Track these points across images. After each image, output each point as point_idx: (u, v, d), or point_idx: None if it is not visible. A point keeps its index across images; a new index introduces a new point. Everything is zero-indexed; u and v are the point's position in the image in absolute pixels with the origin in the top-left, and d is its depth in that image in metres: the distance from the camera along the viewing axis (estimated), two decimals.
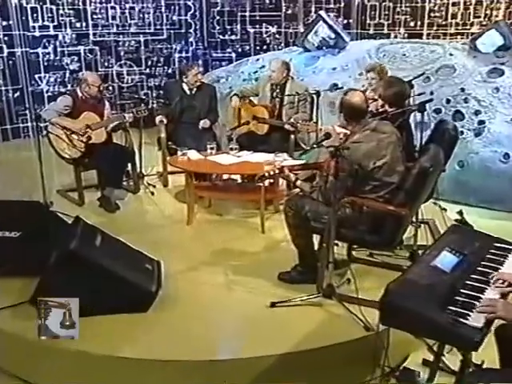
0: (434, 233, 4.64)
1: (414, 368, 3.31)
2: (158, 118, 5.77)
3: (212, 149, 5.15)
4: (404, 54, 6.64)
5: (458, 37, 7.29)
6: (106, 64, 8.46)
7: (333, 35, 7.09)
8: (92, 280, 3.43)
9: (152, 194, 5.64)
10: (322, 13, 7.24)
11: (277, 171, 3.85)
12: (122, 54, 8.54)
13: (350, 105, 3.64)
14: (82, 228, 3.72)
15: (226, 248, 4.51)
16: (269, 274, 4.00)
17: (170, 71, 8.81)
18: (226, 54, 8.83)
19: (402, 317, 2.43)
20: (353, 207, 3.65)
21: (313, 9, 8.13)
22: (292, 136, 5.49)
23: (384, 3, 7.69)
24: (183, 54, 8.84)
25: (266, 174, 3.84)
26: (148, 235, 4.67)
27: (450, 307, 2.36)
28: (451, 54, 6.38)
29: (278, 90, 5.63)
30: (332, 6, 8.00)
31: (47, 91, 8.15)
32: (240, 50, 8.75)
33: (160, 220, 5.12)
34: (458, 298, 2.42)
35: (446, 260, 2.73)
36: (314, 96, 5.49)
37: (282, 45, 8.45)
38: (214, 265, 4.23)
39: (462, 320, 2.28)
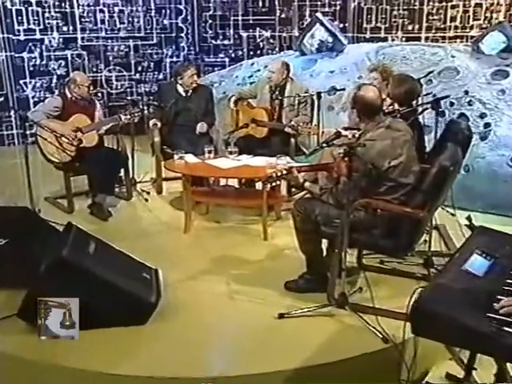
0: (446, 238, 4.42)
1: (436, 383, 3.07)
2: (151, 122, 5.51)
3: (210, 152, 4.90)
4: (404, 57, 6.44)
5: (458, 40, 7.11)
6: (94, 69, 8.17)
7: (330, 38, 6.89)
8: (86, 290, 3.17)
9: (146, 200, 5.38)
10: (319, 15, 7.04)
11: (284, 172, 3.60)
12: (110, 58, 8.25)
13: (364, 100, 3.41)
14: (74, 234, 3.46)
15: (226, 256, 4.28)
16: (274, 283, 3.78)
17: (160, 77, 8.54)
18: (219, 59, 8.59)
19: (436, 325, 2.21)
20: (366, 210, 3.42)
21: (307, 12, 7.93)
22: (292, 139, 5.25)
23: (381, 6, 7.51)
24: (174, 59, 8.57)
25: (274, 175, 3.58)
26: (143, 243, 4.42)
27: (491, 314, 2.13)
28: (453, 56, 6.20)
29: (277, 92, 5.38)
30: (327, 9, 7.80)
31: (33, 97, 7.84)
32: (233, 54, 8.52)
33: (155, 227, 4.85)
34: (496, 304, 2.19)
35: (477, 264, 2.52)
36: (315, 98, 5.27)
37: (277, 49, 8.23)
38: (214, 273, 4.00)
39: (506, 329, 2.05)
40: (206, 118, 5.55)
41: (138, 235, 4.65)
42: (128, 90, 8.33)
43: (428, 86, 5.95)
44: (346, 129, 5.03)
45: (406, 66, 6.33)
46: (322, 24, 6.89)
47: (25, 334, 3.13)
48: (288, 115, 5.37)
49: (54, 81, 8.01)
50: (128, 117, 5.05)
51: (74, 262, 3.21)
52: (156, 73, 8.53)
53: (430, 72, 5.14)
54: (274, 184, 3.76)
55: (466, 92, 5.82)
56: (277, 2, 8.10)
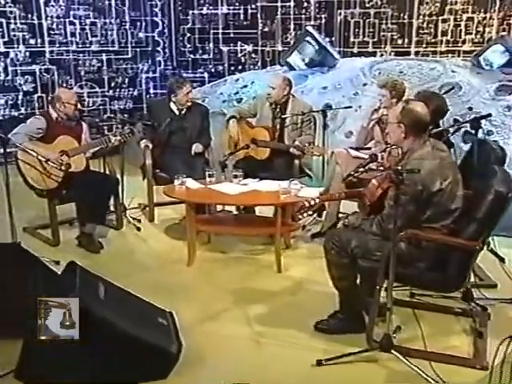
0: (475, 267, 4.11)
1: None
2: (142, 143, 5.04)
3: (211, 176, 4.48)
4: (401, 72, 6.20)
5: (449, 55, 6.92)
6: (64, 85, 7.61)
7: (321, 52, 6.57)
8: (99, 343, 2.73)
9: (138, 229, 4.90)
10: (310, 28, 6.73)
11: (317, 201, 3.22)
12: (82, 74, 7.74)
13: (414, 115, 3.09)
14: (80, 276, 2.98)
15: (239, 291, 3.86)
16: (299, 322, 3.40)
17: (135, 93, 8.05)
18: (198, 75, 8.19)
19: None
20: (409, 240, 3.07)
21: (291, 26, 7.64)
22: (296, 161, 4.87)
23: (368, 20, 7.27)
24: (150, 75, 8.14)
25: (307, 205, 3.19)
26: (144, 279, 3.96)
27: None
28: (453, 71, 5.99)
29: (278, 110, 5.00)
30: (313, 22, 7.52)
31: None
32: (213, 70, 8.14)
33: (154, 260, 4.38)
34: None
35: None
36: (320, 116, 4.93)
37: (259, 64, 7.88)
38: (231, 312, 3.59)
39: None
40: (201, 139, 5.11)
41: (136, 270, 4.17)
42: (101, 107, 7.82)
43: None
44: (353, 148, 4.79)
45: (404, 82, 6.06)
46: (313, 37, 6.57)
47: None
48: (290, 134, 4.99)
49: (21, 97, 7.45)
50: (118, 138, 4.58)
51: (86, 311, 2.74)
52: (131, 89, 8.05)
53: (452, 88, 4.84)
54: (305, 214, 3.35)
55: (470, 108, 5.60)
56: (259, 15, 7.78)
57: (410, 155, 3.11)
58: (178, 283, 3.97)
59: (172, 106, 5.08)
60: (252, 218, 4.36)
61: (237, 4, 7.82)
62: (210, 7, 7.90)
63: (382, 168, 3.25)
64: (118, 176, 4.90)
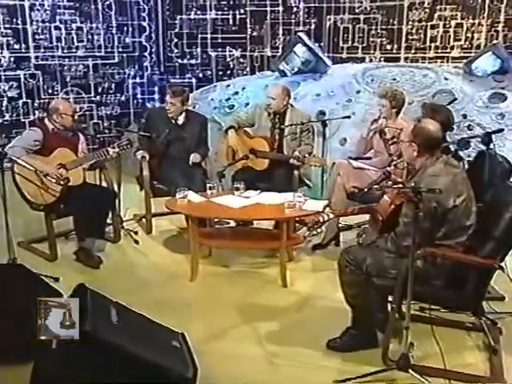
0: None
1: None
2: (138, 154, 4.95)
3: (212, 188, 4.42)
4: (394, 79, 6.21)
5: (438, 61, 6.95)
6: (50, 91, 7.48)
7: (313, 58, 6.54)
8: (114, 370, 2.65)
9: (136, 242, 4.82)
10: (301, 34, 6.69)
11: (331, 216, 3.19)
12: (68, 79, 7.57)
13: (427, 133, 3.08)
14: (92, 301, 2.90)
15: (246, 307, 3.81)
16: (311, 340, 3.37)
17: (122, 98, 7.92)
18: (186, 80, 8.07)
19: None
20: (425, 258, 3.05)
21: (280, 31, 7.59)
22: (296, 171, 4.82)
23: (358, 25, 7.26)
24: (137, 80, 8.01)
25: (321, 221, 3.16)
26: (147, 296, 3.88)
27: None
28: (446, 79, 6.01)
29: (277, 120, 4.95)
30: (302, 27, 7.49)
31: None
32: (201, 75, 8.04)
33: (156, 275, 4.30)
34: None
35: None
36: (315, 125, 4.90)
37: (248, 69, 7.82)
38: (240, 330, 3.53)
39: None
40: (199, 149, 5.04)
41: (138, 286, 4.09)
42: (87, 113, 7.67)
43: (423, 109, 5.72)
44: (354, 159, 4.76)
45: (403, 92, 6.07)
46: (305, 44, 6.54)
47: None
48: (290, 145, 4.95)
49: (5, 103, 7.28)
50: (116, 150, 4.48)
51: (100, 338, 2.67)
52: (118, 94, 7.90)
53: (455, 99, 4.84)
54: (317, 229, 3.30)
55: (465, 116, 5.63)
56: (248, 20, 7.71)
57: (423, 172, 3.09)
58: (182, 300, 3.89)
59: (170, 115, 5.00)
60: (256, 232, 4.30)
61: (225, 9, 7.74)
62: (198, 12, 7.80)
63: (395, 185, 3.21)
64: (115, 185, 4.80)
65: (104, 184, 4.75)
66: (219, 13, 7.78)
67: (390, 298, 3.22)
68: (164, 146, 4.95)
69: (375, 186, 3.21)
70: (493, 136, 3.63)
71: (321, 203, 4.21)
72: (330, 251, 4.64)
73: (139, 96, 8.04)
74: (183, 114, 5.05)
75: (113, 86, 7.86)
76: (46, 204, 4.25)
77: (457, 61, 6.85)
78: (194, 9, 7.82)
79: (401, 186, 3.15)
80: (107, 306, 2.99)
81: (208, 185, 4.44)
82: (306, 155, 4.74)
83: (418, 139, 3.08)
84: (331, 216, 3.23)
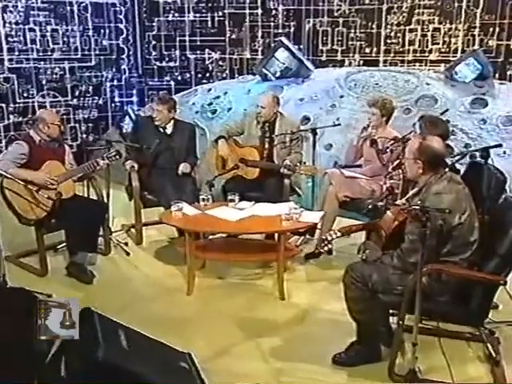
0: None
1: None
2: (127, 164, 4.88)
3: (205, 200, 4.39)
4: (377, 84, 6.25)
5: (417, 64, 7.03)
6: (25, 94, 7.28)
7: (295, 63, 6.54)
8: None
9: (127, 254, 4.76)
10: (284, 39, 6.69)
11: (338, 234, 3.21)
12: (44, 82, 7.37)
13: (432, 151, 3.11)
14: (100, 325, 2.85)
15: (246, 321, 3.79)
16: (315, 355, 3.38)
17: (100, 102, 7.78)
18: (164, 83, 7.98)
19: None
20: (430, 274, 3.09)
21: (260, 34, 7.56)
22: (286, 180, 4.83)
23: (337, 29, 7.29)
24: (115, 83, 7.87)
25: (329, 238, 3.17)
26: (143, 312, 3.85)
27: None
28: (428, 84, 6.08)
29: (267, 129, 4.94)
30: (281, 30, 7.47)
31: None
32: (180, 77, 7.95)
33: (151, 290, 4.25)
34: None
35: None
36: (310, 134, 4.91)
37: (227, 72, 7.77)
38: (243, 346, 3.51)
39: None
40: (188, 158, 5.00)
41: (133, 301, 4.03)
42: (64, 117, 7.50)
43: (407, 115, 5.81)
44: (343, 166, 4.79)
45: (379, 94, 6.10)
46: (287, 48, 6.53)
47: None
48: (279, 153, 4.94)
49: None
50: (106, 161, 4.42)
51: (115, 366, 2.62)
52: (95, 98, 7.75)
53: (446, 110, 4.89)
54: (325, 248, 3.30)
55: (448, 121, 5.64)
56: (227, 23, 7.65)
57: (428, 190, 3.12)
58: (181, 316, 3.85)
59: (157, 123, 4.94)
60: (252, 243, 4.27)
61: (204, 11, 7.67)
62: (176, 14, 7.71)
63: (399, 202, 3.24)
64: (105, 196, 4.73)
65: (91, 194, 4.68)
66: (197, 15, 7.70)
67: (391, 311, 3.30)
68: (153, 156, 4.88)
69: (379, 203, 3.22)
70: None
71: (317, 215, 4.23)
72: (322, 260, 4.68)
73: (117, 99, 7.90)
74: (171, 123, 5.00)
75: (90, 89, 7.70)
76: (37, 219, 4.16)
77: (435, 64, 6.95)
78: (172, 11, 7.72)
79: (405, 204, 3.17)
80: (116, 330, 2.94)
81: (201, 196, 4.41)
82: (298, 164, 4.75)
83: (424, 157, 3.11)
84: (338, 234, 3.24)
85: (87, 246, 4.31)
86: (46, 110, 5.08)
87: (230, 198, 4.35)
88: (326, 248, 3.26)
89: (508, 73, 6.61)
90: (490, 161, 3.74)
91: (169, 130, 5.00)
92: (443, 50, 6.95)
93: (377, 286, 3.13)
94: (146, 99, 7.92)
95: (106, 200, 4.69)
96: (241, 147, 5.00)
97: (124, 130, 6.98)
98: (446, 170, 3.21)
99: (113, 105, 7.88)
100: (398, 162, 4.09)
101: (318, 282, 4.33)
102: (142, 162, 4.92)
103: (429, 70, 6.88)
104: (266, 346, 3.49)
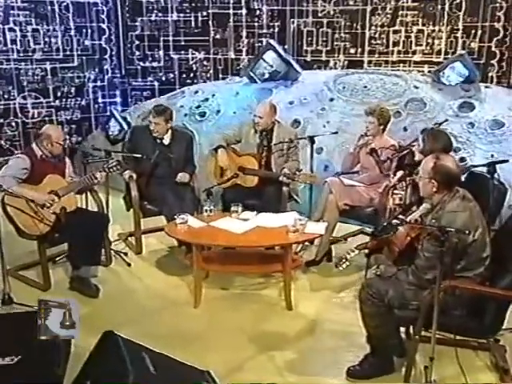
0: None
1: None
2: (126, 174, 4.83)
3: (208, 211, 4.40)
4: (365, 87, 6.31)
5: (401, 65, 7.12)
6: (5, 96, 7.12)
7: (284, 65, 6.56)
8: None
9: (129, 265, 4.74)
10: (272, 41, 6.70)
11: (356, 252, 3.27)
12: (25, 83, 7.23)
13: (446, 171, 3.16)
14: (126, 349, 2.85)
15: (257, 335, 3.82)
16: (329, 368, 3.47)
17: (83, 103, 7.66)
18: (148, 83, 7.90)
19: None
20: (445, 290, 3.18)
21: (244, 34, 7.54)
22: (285, 188, 4.86)
23: (322, 29, 7.32)
24: (98, 83, 7.75)
25: (349, 257, 3.23)
26: (151, 327, 3.84)
27: None
28: (416, 87, 6.17)
29: (264, 137, 4.96)
30: (265, 30, 7.46)
31: None
32: (163, 78, 7.87)
33: (156, 303, 4.23)
34: None
35: None
36: (307, 142, 4.95)
37: (211, 72, 7.73)
38: (257, 360, 3.54)
39: None
40: (186, 168, 5.00)
41: (140, 316, 4.01)
42: (47, 118, 7.38)
43: (396, 118, 5.88)
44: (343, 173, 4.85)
45: (368, 97, 6.21)
46: (275, 51, 6.54)
47: None
48: (277, 161, 4.97)
49: None
50: (104, 174, 4.37)
51: None
52: (78, 99, 7.62)
53: (445, 120, 4.97)
54: (344, 265, 3.34)
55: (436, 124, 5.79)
56: (211, 23, 7.60)
57: (442, 208, 3.18)
58: (190, 330, 3.86)
59: (155, 134, 4.92)
60: (257, 254, 4.29)
61: (187, 11, 7.59)
62: (160, 14, 7.62)
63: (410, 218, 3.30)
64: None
65: (89, 203, 4.64)
66: (181, 15, 7.62)
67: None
68: (151, 166, 4.86)
69: (394, 221, 3.27)
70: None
71: (322, 226, 4.28)
72: (322, 267, 4.74)
73: (100, 100, 7.79)
74: (169, 133, 4.98)
75: (72, 90, 7.56)
76: (40, 234, 4.11)
77: (419, 65, 7.05)
78: (155, 10, 7.63)
79: (417, 221, 3.23)
80: (140, 353, 2.95)
81: (204, 207, 4.43)
82: (297, 172, 4.78)
83: (439, 177, 3.16)
84: (356, 252, 3.30)
85: (91, 260, 4.28)
86: (52, 126, 4.98)
87: (233, 209, 4.36)
88: (344, 266, 3.30)
89: (489, 74, 6.77)
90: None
91: (166, 141, 4.98)
92: (426, 52, 7.05)
93: (393, 301, 3.19)
94: (130, 100, 7.84)
95: (105, 209, 4.66)
96: (239, 156, 5.01)
97: (110, 133, 6.90)
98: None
99: (96, 106, 7.77)
100: (401, 173, 4.18)
101: (322, 291, 4.39)
102: (140, 171, 4.89)
103: (411, 71, 6.98)
104: (279, 360, 3.53)
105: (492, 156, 5.55)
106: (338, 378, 3.36)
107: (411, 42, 7.09)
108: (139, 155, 4.76)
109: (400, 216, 3.31)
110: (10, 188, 3.96)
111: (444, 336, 3.62)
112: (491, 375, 3.42)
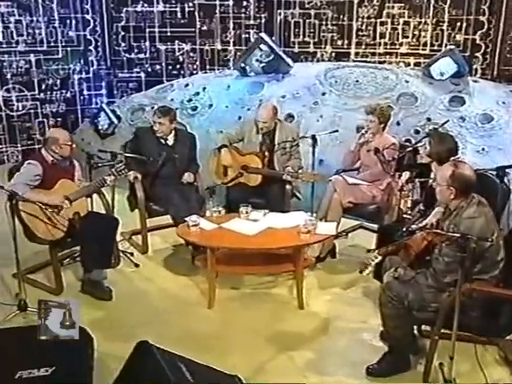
0: None
1: None
2: (131, 174, 4.83)
3: (216, 212, 4.45)
4: (357, 81, 6.38)
5: (387, 56, 7.23)
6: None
7: (275, 59, 6.58)
8: None
9: (137, 266, 4.76)
10: (264, 35, 6.69)
11: (380, 258, 3.37)
12: (9, 76, 7.13)
13: (464, 179, 3.27)
14: (163, 360, 2.91)
15: (273, 335, 3.88)
16: (349, 367, 3.56)
17: (68, 95, 7.55)
18: (134, 75, 7.83)
19: None
20: (463, 292, 3.31)
21: (231, 25, 7.52)
22: (288, 186, 4.93)
23: (309, 20, 7.36)
24: (83, 75, 7.65)
25: (373, 263, 3.34)
26: (167, 329, 3.87)
27: None
28: (407, 81, 6.28)
29: (266, 136, 5.01)
30: (252, 22, 7.47)
31: None
32: (150, 69, 7.81)
33: (168, 304, 4.27)
34: None
35: None
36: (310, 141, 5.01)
37: (198, 63, 7.70)
38: (278, 362, 3.61)
39: None
40: (190, 167, 5.02)
41: (155, 318, 4.04)
42: (32, 111, 7.26)
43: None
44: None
45: (361, 91, 6.29)
46: (267, 44, 6.56)
47: None
48: (280, 159, 5.04)
49: None
50: (113, 177, 4.36)
51: None
52: (63, 91, 7.52)
53: (446, 121, 5.09)
54: (367, 271, 3.45)
55: (429, 119, 5.93)
56: (197, 14, 7.55)
57: (459, 214, 3.29)
58: (206, 331, 3.91)
59: (159, 135, 4.92)
60: (269, 254, 4.36)
61: (173, 1, 7.53)
62: (145, 4, 7.53)
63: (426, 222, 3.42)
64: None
65: (95, 204, 4.63)
66: (167, 5, 7.55)
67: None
68: (156, 167, 4.87)
69: (413, 226, 3.38)
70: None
71: (332, 226, 4.36)
72: (327, 264, 4.85)
73: (86, 92, 7.70)
74: (172, 134, 4.98)
75: (57, 82, 7.46)
76: (54, 239, 4.10)
77: (405, 57, 7.19)
78: (141, 1, 7.54)
79: (433, 225, 3.36)
80: (175, 361, 3.00)
81: (213, 209, 4.48)
82: (300, 171, 4.86)
83: (457, 184, 3.27)
84: (379, 258, 3.40)
85: (103, 263, 4.28)
86: (56, 129, 4.91)
87: (242, 209, 4.40)
88: (367, 271, 3.41)
89: (474, 66, 6.94)
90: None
91: (170, 142, 4.99)
92: (413, 44, 7.18)
93: (412, 303, 3.32)
94: (116, 92, 7.76)
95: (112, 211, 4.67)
96: (242, 155, 5.04)
97: (100, 127, 6.83)
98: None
99: (81, 98, 7.68)
100: (408, 175, 4.30)
101: (330, 289, 4.49)
102: (145, 172, 4.90)
103: (398, 62, 7.12)
104: (298, 360, 3.62)
105: (483, 150, 5.73)
106: (359, 377, 3.46)
107: (398, 33, 7.21)
108: (147, 157, 4.75)
109: (417, 222, 3.42)
110: (23, 194, 3.92)
111: (467, 336, 3.77)
112: (501, 369, 3.58)
